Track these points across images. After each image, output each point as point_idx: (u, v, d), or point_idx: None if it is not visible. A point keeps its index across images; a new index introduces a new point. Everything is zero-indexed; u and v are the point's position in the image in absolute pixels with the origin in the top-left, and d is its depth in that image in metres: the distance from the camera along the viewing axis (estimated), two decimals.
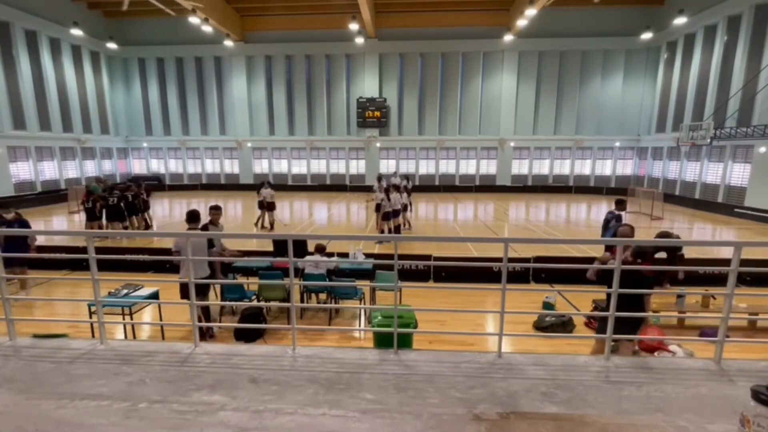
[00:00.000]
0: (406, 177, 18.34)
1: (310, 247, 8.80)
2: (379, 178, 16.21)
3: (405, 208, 13.13)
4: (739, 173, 17.89)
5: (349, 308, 7.43)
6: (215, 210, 6.51)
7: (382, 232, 12.20)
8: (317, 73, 26.62)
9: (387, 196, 12.03)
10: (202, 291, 5.88)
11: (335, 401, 2.69)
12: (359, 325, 7.08)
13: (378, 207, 12.64)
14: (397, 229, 12.41)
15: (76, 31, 21.14)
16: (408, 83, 26.34)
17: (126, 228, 12.15)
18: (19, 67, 19.91)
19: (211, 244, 6.21)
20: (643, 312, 4.51)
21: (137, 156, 28.94)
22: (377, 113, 25.93)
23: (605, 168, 26.48)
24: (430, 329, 6.04)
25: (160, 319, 6.64)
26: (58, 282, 8.69)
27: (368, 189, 20.48)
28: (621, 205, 9.08)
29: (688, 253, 10.24)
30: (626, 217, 17.12)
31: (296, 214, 17.87)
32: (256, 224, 14.19)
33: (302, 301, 7.17)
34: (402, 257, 8.37)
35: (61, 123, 22.59)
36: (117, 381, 2.93)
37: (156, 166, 28.92)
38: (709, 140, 17.29)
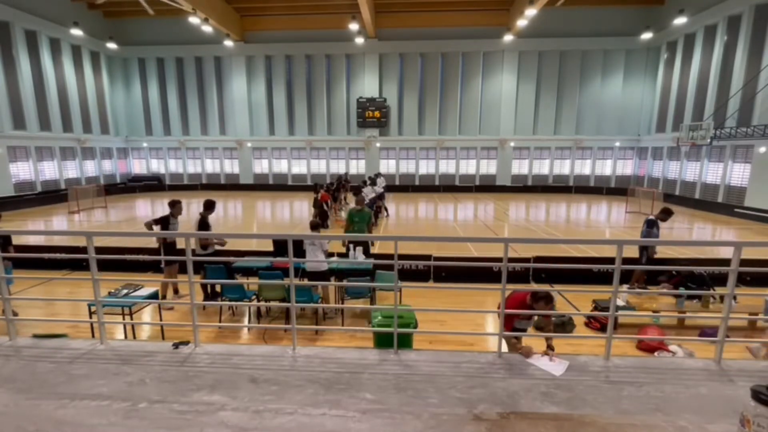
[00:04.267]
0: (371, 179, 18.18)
1: None
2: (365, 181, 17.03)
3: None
4: (739, 173, 17.89)
5: (349, 308, 7.43)
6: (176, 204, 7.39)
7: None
8: (317, 73, 26.61)
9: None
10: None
11: (335, 401, 2.69)
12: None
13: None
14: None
15: (76, 31, 21.13)
16: (408, 83, 26.34)
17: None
18: (19, 67, 19.91)
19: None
20: None
21: (137, 156, 28.94)
22: (377, 113, 25.92)
23: (605, 168, 26.48)
24: (430, 329, 6.04)
25: (160, 319, 6.64)
26: (58, 282, 8.69)
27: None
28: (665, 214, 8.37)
29: (689, 253, 10.26)
30: (626, 218, 17.08)
31: (296, 214, 17.87)
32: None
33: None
34: (402, 257, 8.36)
35: (61, 123, 22.58)
36: (117, 381, 2.93)
37: (156, 166, 28.92)
38: (709, 140, 17.29)
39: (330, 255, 8.91)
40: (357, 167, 27.58)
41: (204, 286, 7.45)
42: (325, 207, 14.21)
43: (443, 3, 23.67)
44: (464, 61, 25.81)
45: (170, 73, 27.25)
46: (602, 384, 2.92)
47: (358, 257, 7.72)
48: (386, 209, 16.70)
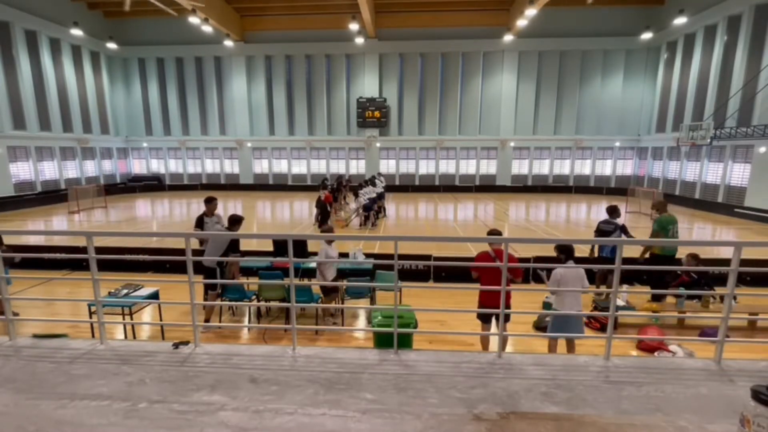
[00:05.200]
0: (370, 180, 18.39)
1: (311, 248, 8.80)
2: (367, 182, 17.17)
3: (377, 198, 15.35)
4: (739, 173, 17.88)
5: (349, 308, 7.43)
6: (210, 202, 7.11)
7: (367, 218, 14.64)
8: (317, 73, 26.61)
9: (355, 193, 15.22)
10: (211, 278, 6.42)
11: (335, 401, 2.69)
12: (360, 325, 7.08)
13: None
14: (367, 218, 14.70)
15: (76, 31, 21.14)
16: (408, 83, 26.34)
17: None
18: (19, 67, 19.91)
19: (236, 247, 6.53)
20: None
21: (137, 156, 28.94)
22: (377, 113, 25.93)
23: (605, 168, 26.48)
24: (430, 329, 6.04)
25: (160, 319, 6.64)
26: (58, 282, 8.69)
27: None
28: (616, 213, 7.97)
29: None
30: (626, 218, 17.12)
31: (296, 214, 17.87)
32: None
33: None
34: (402, 257, 8.36)
35: (61, 123, 22.59)
36: (117, 381, 2.93)
37: (156, 166, 28.92)
38: (709, 140, 17.28)
39: None
40: (357, 167, 27.59)
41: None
42: (328, 207, 14.36)
43: (443, 3, 23.67)
44: (464, 61, 25.80)
45: (170, 73, 27.24)
46: (602, 384, 2.92)
47: (358, 257, 7.72)
48: (384, 209, 16.76)
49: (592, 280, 8.59)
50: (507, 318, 5.05)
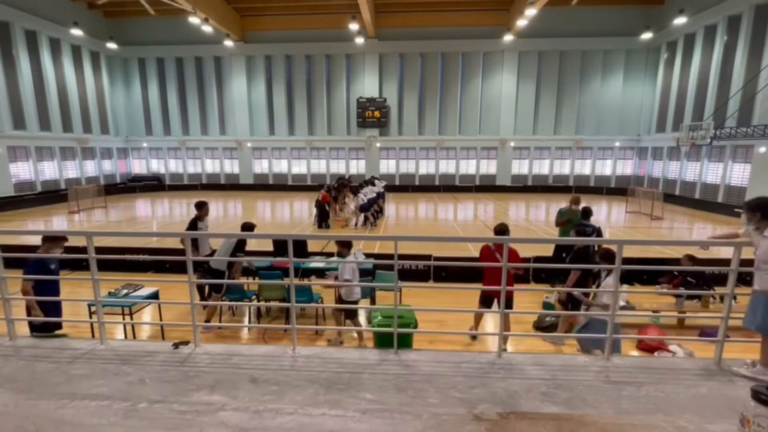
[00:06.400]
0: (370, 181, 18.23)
1: (311, 248, 8.81)
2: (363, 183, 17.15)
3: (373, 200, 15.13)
4: (739, 173, 17.89)
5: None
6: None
7: (366, 219, 14.47)
8: (317, 73, 26.61)
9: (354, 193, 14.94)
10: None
11: (335, 401, 2.69)
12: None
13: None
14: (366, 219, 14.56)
15: (76, 31, 21.13)
16: (408, 83, 26.34)
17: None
18: (19, 67, 19.90)
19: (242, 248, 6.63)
20: None
21: (137, 156, 28.94)
22: (377, 113, 25.92)
23: (605, 168, 26.48)
24: (430, 329, 6.04)
25: (160, 319, 6.64)
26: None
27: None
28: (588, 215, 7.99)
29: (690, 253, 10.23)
30: (626, 218, 17.12)
31: (296, 214, 17.87)
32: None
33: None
34: (402, 257, 8.35)
35: (61, 123, 22.58)
36: (117, 381, 2.93)
37: (156, 166, 28.91)
38: (709, 140, 17.28)
39: (330, 255, 8.90)
40: (357, 167, 27.58)
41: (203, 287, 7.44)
42: (326, 207, 14.32)
43: (443, 3, 23.67)
44: (464, 61, 25.80)
45: (170, 73, 27.24)
46: (602, 384, 2.92)
47: (358, 257, 7.71)
48: (382, 210, 16.68)
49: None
50: (509, 304, 5.47)
